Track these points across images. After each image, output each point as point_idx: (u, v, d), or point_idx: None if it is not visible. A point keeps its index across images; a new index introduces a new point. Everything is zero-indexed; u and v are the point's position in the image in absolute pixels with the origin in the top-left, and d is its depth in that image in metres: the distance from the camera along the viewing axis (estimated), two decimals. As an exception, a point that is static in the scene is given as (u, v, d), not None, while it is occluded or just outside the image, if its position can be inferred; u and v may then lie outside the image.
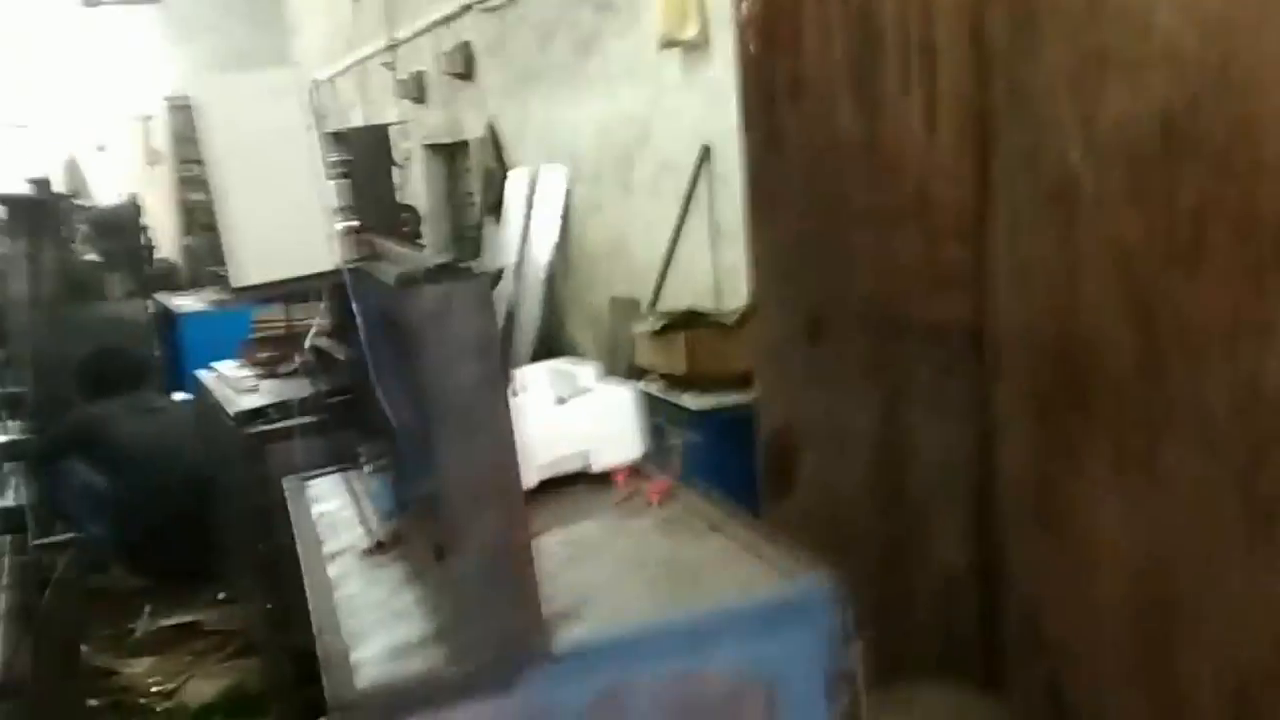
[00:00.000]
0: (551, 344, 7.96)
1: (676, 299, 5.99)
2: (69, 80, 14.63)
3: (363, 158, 3.90)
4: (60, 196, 9.92)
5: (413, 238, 10.99)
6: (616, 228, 6.96)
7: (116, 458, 4.55)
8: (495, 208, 8.72)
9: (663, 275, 6.09)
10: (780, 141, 2.99)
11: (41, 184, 10.56)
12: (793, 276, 3.05)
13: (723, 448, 4.07)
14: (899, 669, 2.49)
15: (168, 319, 7.51)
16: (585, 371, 2.63)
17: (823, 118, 2.95)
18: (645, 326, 5.23)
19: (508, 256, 8.35)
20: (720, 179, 5.67)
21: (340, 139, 4.12)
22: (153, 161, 15.22)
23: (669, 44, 5.73)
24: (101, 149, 14.87)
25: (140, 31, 14.97)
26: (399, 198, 11.25)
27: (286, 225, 2.47)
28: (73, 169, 14.65)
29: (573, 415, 2.44)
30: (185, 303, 7.47)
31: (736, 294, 5.56)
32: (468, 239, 9.96)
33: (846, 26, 2.87)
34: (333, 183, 3.05)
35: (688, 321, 5.12)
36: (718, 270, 5.75)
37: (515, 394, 2.08)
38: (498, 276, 7.63)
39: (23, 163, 13.72)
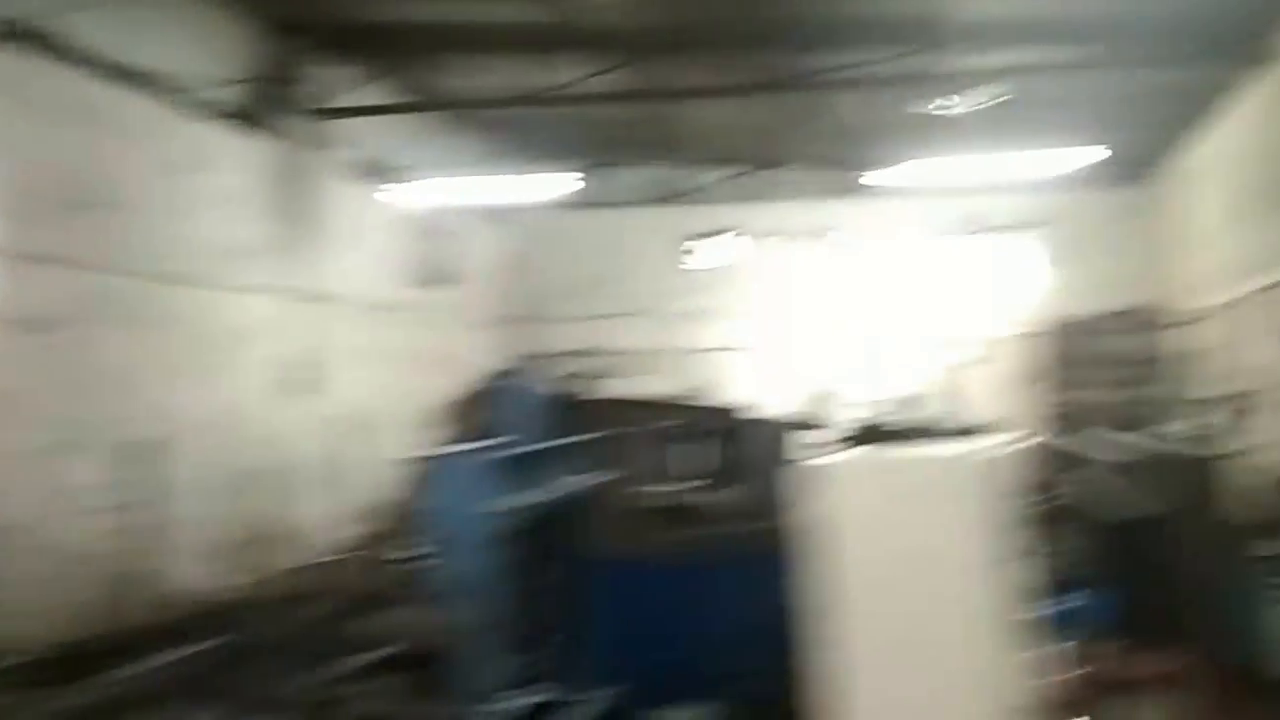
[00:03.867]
0: None
1: None
2: (955, 295, 15.34)
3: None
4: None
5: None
6: None
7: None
8: None
9: None
10: None
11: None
12: None
13: None
14: None
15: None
16: None
17: None
18: None
19: None
20: None
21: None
22: (1033, 379, 15.15)
23: None
24: (986, 366, 15.17)
25: (1026, 253, 15.24)
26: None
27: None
28: (948, 382, 15.09)
29: None
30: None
31: None
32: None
33: None
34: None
35: None
36: None
37: None
38: None
39: (915, 375, 14.71)
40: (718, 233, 16.37)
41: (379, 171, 11.85)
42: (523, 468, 5.16)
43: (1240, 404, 11.20)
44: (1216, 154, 12.19)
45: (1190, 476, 5.03)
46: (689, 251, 16.55)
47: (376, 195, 11.84)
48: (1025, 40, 10.06)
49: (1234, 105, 11.02)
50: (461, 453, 4.70)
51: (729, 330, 15.94)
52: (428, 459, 4.83)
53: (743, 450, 7.96)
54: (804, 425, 10.64)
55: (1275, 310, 9.68)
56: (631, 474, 6.93)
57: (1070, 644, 4.34)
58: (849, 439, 9.75)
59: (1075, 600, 4.69)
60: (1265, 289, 10.09)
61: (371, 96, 11.30)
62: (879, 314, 15.68)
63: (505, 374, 6.62)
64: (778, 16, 9.89)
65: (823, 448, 9.33)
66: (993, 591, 1.89)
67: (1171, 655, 5.51)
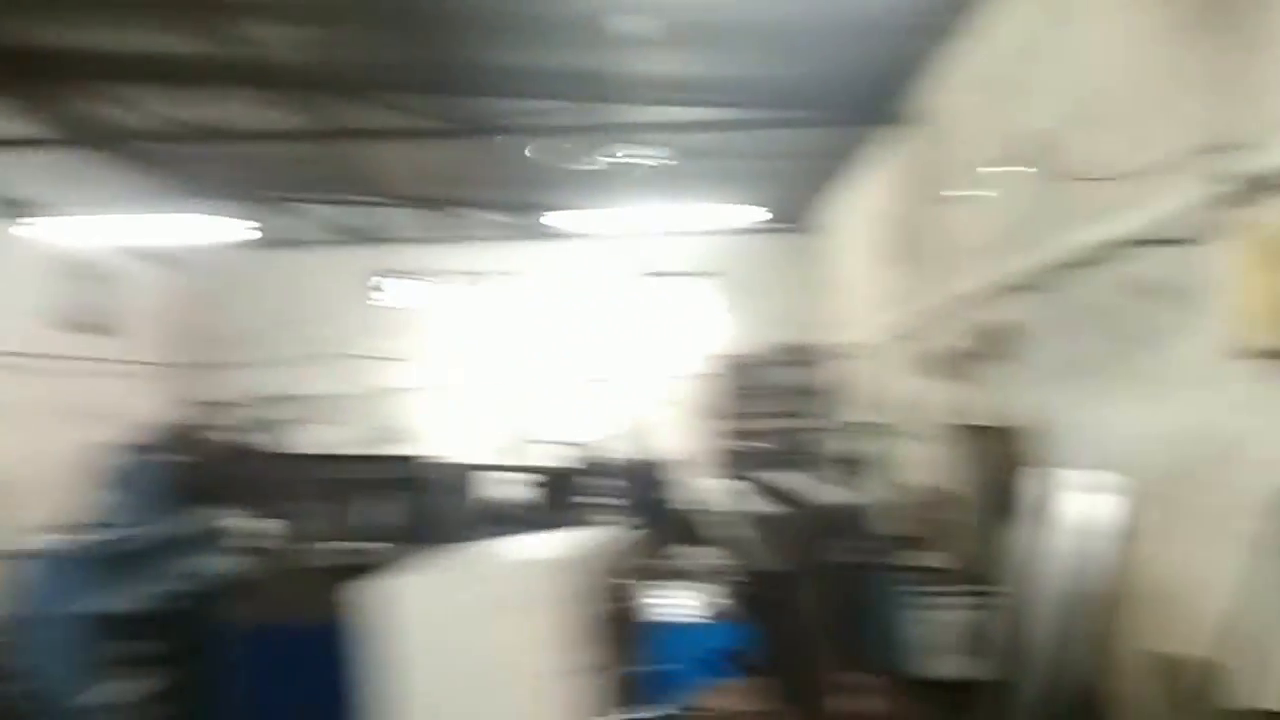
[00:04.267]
0: (1087, 691, 6.49)
1: (1258, 691, 4.43)
2: (639, 339, 15.82)
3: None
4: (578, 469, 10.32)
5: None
6: (1170, 567, 5.51)
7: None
8: (1024, 508, 7.55)
9: (1240, 655, 4.56)
10: None
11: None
12: None
13: None
14: None
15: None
16: None
17: None
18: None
19: (1038, 568, 7.11)
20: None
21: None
22: (707, 416, 15.93)
23: (1255, 353, 4.43)
24: (666, 404, 15.77)
25: (700, 296, 15.92)
26: (928, 479, 10.59)
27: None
28: (638, 422, 15.62)
29: None
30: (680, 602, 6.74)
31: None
32: (996, 536, 8.79)
33: None
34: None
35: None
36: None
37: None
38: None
39: (600, 415, 15.07)
40: (406, 274, 16.22)
41: (20, 209, 10.87)
42: (155, 551, 4.83)
43: (886, 432, 12.31)
44: (858, 207, 13.40)
45: (829, 519, 5.45)
46: (377, 292, 16.29)
47: (15, 234, 10.84)
48: (696, 99, 10.67)
49: (871, 163, 12.16)
50: (74, 545, 4.30)
51: (419, 373, 15.78)
52: (27, 554, 4.39)
53: (428, 500, 7.86)
54: (494, 469, 10.70)
55: (906, 350, 10.71)
56: (304, 532, 6.67)
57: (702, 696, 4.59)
58: (538, 483, 9.91)
59: (721, 641, 4.95)
60: (898, 332, 11.16)
61: (11, 128, 10.39)
62: (567, 355, 16.02)
63: (149, 437, 6.22)
64: (455, 62, 9.97)
65: (513, 489, 9.44)
66: (563, 701, 1.92)
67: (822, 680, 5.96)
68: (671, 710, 4.58)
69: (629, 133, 9.87)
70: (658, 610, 5.81)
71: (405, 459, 8.48)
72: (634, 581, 4.08)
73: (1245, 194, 4.52)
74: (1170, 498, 5.51)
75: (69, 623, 4.13)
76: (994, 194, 7.95)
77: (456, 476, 8.70)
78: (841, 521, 5.51)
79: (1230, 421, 4.82)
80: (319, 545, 6.54)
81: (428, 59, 9.86)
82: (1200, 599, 5.06)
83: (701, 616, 5.41)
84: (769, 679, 4.73)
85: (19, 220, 10.77)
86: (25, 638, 4.16)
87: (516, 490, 9.66)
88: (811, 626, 4.74)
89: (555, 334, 16.07)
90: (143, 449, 5.68)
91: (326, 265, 16.01)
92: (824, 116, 10.89)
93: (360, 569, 5.31)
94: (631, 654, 3.74)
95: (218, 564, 5.18)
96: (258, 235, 12.74)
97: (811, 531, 5.06)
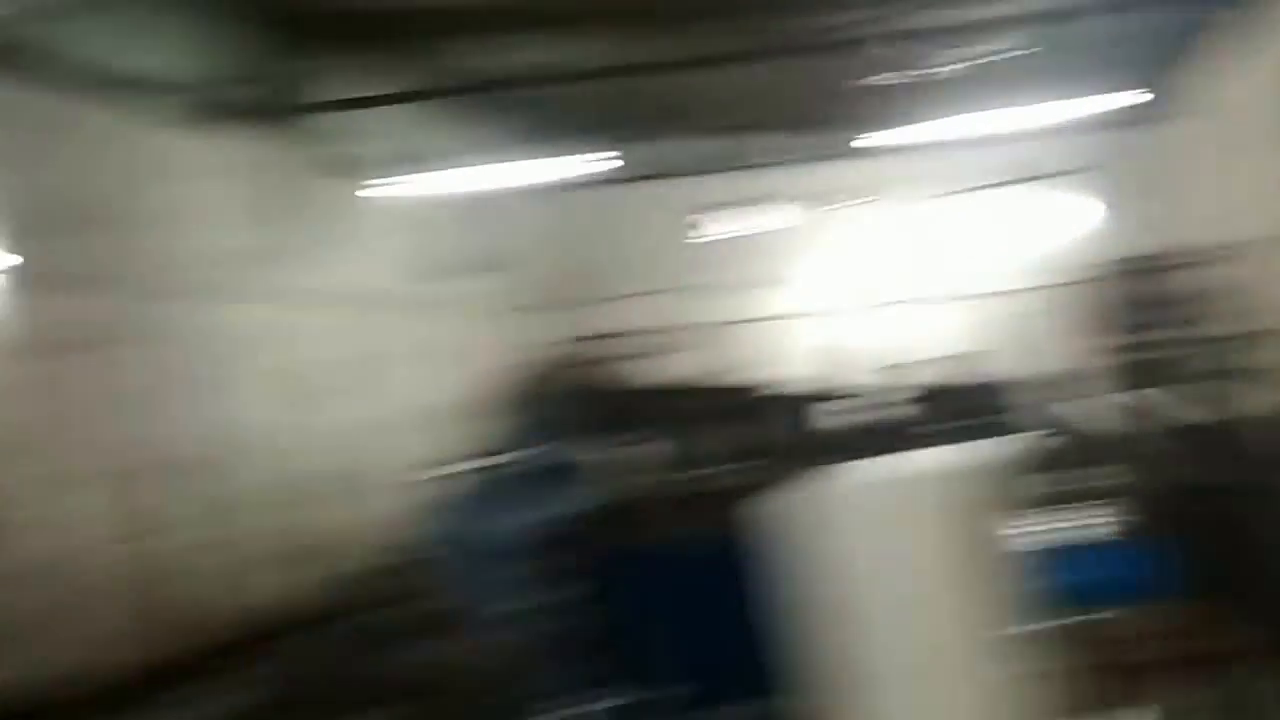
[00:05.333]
0: None
1: None
2: (993, 248, 14.61)
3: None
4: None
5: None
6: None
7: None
8: None
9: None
10: None
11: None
12: None
13: None
14: None
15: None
16: None
17: None
18: None
19: None
20: None
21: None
22: (1084, 329, 14.58)
23: None
24: (1036, 317, 14.62)
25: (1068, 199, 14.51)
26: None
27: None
28: (999, 338, 14.58)
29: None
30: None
31: None
32: None
33: None
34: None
35: None
36: None
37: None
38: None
39: (962, 332, 14.22)
40: (743, 202, 15.90)
41: (401, 162, 11.41)
42: (555, 472, 4.95)
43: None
44: (1252, 88, 11.62)
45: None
46: (713, 224, 16.06)
47: (396, 187, 11.43)
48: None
49: (1263, 40, 10.44)
50: (490, 465, 4.56)
51: (762, 301, 15.47)
52: (454, 474, 4.68)
53: (784, 426, 7.72)
54: (847, 396, 10.29)
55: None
56: (664, 460, 6.68)
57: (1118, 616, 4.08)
58: (911, 401, 9.40)
59: (1129, 562, 4.38)
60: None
61: (372, 87, 10.96)
62: (919, 274, 15.14)
63: (535, 370, 6.37)
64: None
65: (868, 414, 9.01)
66: (995, 608, 1.82)
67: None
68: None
69: (982, 30, 8.96)
70: (1052, 535, 5.28)
71: (750, 386, 8.42)
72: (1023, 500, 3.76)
73: None
74: None
75: (486, 542, 4.37)
76: None
77: (806, 402, 8.54)
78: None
79: None
80: (695, 470, 6.54)
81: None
82: None
83: (1106, 539, 4.81)
84: (1216, 604, 4.13)
85: (402, 175, 11.31)
86: (444, 557, 4.42)
87: (871, 415, 9.23)
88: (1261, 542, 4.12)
89: (908, 251, 15.18)
90: (533, 381, 5.84)
91: (652, 199, 15.89)
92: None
93: (744, 490, 5.17)
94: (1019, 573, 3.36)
95: (603, 491, 5.26)
96: (587, 174, 12.74)
97: (1245, 444, 4.38)
